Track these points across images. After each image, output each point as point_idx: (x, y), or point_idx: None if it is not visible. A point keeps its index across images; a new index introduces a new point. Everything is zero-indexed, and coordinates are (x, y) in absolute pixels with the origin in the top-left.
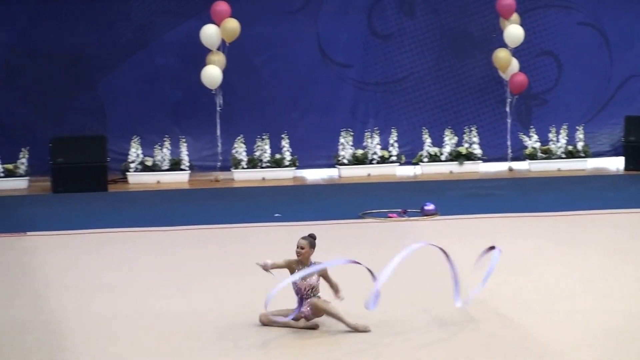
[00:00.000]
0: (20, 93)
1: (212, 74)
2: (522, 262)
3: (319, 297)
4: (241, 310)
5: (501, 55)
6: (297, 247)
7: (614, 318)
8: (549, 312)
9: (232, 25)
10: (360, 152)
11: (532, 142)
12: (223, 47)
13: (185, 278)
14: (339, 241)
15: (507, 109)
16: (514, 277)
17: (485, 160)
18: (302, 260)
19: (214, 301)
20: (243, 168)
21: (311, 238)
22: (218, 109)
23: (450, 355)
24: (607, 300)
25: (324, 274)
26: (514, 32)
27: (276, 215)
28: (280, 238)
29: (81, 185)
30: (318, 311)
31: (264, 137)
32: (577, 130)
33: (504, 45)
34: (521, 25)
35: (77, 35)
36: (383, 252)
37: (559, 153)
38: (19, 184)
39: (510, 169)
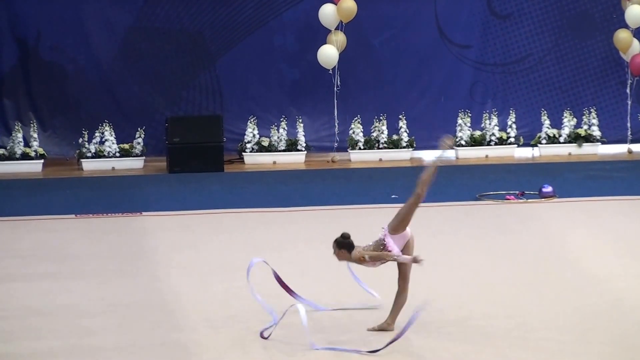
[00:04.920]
0: (138, 72)
1: (328, 53)
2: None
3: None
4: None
5: (622, 36)
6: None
7: None
8: None
9: (349, 5)
10: (478, 133)
11: None
12: (341, 27)
13: (302, 259)
14: (456, 223)
15: (628, 91)
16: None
17: (604, 143)
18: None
19: (326, 283)
20: (360, 149)
21: (340, 239)
22: (335, 89)
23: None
24: None
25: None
26: (635, 12)
27: (393, 196)
28: None
29: (197, 166)
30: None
31: (381, 117)
32: None
33: (625, 26)
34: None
35: (195, 14)
36: (500, 234)
37: None
38: (134, 163)
39: (630, 151)
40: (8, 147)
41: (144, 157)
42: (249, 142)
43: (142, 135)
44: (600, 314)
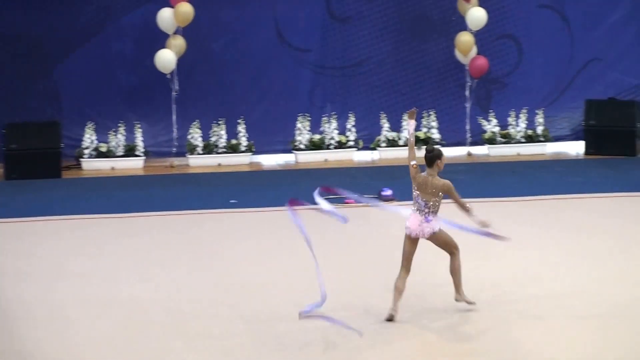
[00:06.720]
0: None
1: (166, 58)
2: (486, 247)
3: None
4: (197, 296)
5: (464, 39)
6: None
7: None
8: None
9: (186, 9)
10: (317, 137)
11: (491, 126)
12: (181, 31)
13: (141, 265)
14: (294, 228)
15: (467, 93)
16: (480, 262)
17: (443, 145)
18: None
19: (169, 288)
20: (199, 154)
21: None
22: (173, 93)
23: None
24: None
25: (450, 193)
26: (476, 15)
27: (232, 201)
28: (235, 224)
29: (35, 172)
30: (442, 243)
31: (220, 122)
32: (537, 114)
33: (465, 28)
34: (480, 7)
35: (33, 19)
36: (340, 237)
37: (518, 137)
38: None
39: (469, 154)
40: None
41: None
42: (86, 148)
43: None
44: (451, 311)
